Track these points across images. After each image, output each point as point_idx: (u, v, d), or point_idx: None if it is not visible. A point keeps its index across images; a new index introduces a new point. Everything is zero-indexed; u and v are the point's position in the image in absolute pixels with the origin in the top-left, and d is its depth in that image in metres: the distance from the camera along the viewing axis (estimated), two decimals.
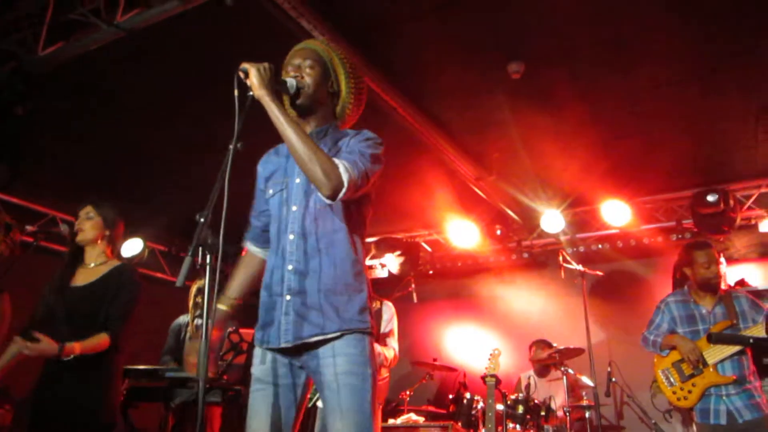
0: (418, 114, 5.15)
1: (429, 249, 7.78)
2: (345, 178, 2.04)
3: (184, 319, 5.15)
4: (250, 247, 2.48)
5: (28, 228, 3.88)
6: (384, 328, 4.29)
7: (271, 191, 2.34)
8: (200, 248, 1.81)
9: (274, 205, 2.32)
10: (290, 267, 2.17)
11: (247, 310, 2.46)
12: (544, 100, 5.04)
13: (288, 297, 2.14)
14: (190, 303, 4.99)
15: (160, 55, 4.45)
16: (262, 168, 2.45)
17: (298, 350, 2.13)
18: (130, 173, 5.98)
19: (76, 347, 3.11)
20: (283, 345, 2.12)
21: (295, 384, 2.17)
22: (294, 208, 2.23)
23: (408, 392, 5.81)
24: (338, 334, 2.07)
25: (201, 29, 4.17)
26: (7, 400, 4.65)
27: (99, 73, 4.59)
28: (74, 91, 4.79)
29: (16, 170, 5.09)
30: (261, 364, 2.19)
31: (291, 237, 2.20)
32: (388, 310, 4.37)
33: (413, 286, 6.47)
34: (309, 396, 2.22)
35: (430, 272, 7.74)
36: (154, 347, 5.14)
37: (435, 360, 6.21)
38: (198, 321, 4.95)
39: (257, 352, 2.22)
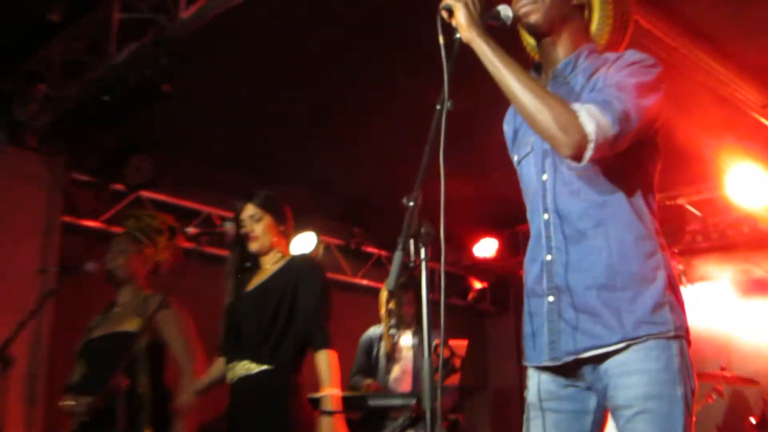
0: (671, 28, 4.96)
1: (698, 213, 7.52)
2: (590, 128, 1.96)
3: (375, 331, 5.41)
4: None
5: (190, 230, 4.28)
6: None
7: (516, 156, 2.38)
8: (412, 241, 1.84)
9: (523, 175, 2.34)
10: (548, 257, 2.17)
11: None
12: None
13: (550, 298, 2.15)
14: (382, 310, 5.24)
15: (316, 5, 4.64)
16: (507, 127, 2.47)
17: (578, 366, 2.12)
18: (289, 151, 6.33)
19: (333, 392, 3.40)
20: (546, 363, 2.14)
21: (584, 410, 2.16)
22: (545, 176, 2.23)
23: None
24: (623, 345, 2.03)
25: None
26: None
27: (246, 35, 4.87)
28: (214, 59, 5.12)
29: (163, 163, 5.65)
30: (533, 386, 2.23)
31: (546, 216, 2.20)
32: None
33: (681, 267, 6.24)
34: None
35: (703, 246, 7.52)
36: (340, 366, 5.42)
37: (723, 369, 5.96)
38: (393, 332, 5.20)
39: (528, 371, 2.27)
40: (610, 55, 2.22)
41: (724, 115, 5.98)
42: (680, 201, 7.53)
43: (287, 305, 3.53)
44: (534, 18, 2.23)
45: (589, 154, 1.97)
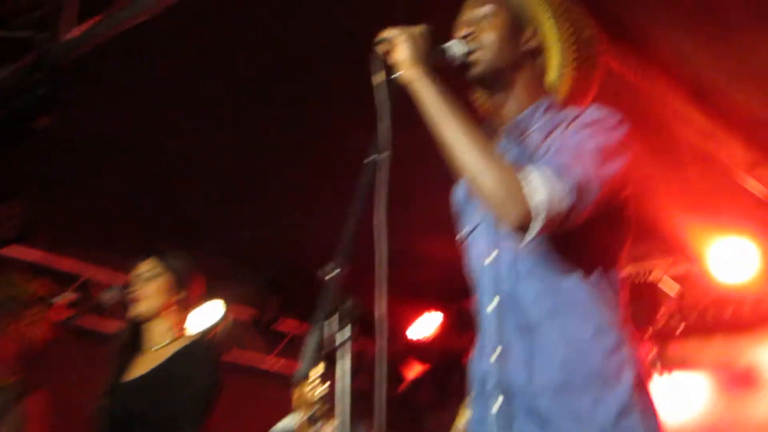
0: (646, 72, 4.96)
1: (674, 290, 7.50)
2: (540, 197, 1.92)
3: (288, 423, 5.18)
4: None
5: (58, 300, 4.14)
6: None
7: (465, 230, 2.40)
8: (334, 317, 1.77)
9: (472, 251, 2.36)
10: (498, 351, 2.15)
11: None
12: None
13: (500, 400, 2.11)
14: (297, 398, 5.03)
15: (237, 23, 4.53)
16: (456, 196, 2.52)
17: None
18: (195, 202, 6.23)
19: None
20: None
21: None
22: (495, 253, 2.23)
23: None
24: None
25: None
26: None
27: (147, 60, 4.74)
28: (101, 89, 4.96)
29: (35, 214, 5.38)
30: None
31: (496, 301, 2.20)
32: None
33: (654, 350, 6.48)
34: None
35: (679, 328, 7.49)
36: None
37: None
38: (312, 425, 4.97)
39: None
40: (570, 112, 2.23)
41: (705, 175, 5.99)
42: (653, 275, 7.55)
43: (169, 403, 3.41)
44: (479, 69, 2.27)
45: (536, 227, 1.95)
